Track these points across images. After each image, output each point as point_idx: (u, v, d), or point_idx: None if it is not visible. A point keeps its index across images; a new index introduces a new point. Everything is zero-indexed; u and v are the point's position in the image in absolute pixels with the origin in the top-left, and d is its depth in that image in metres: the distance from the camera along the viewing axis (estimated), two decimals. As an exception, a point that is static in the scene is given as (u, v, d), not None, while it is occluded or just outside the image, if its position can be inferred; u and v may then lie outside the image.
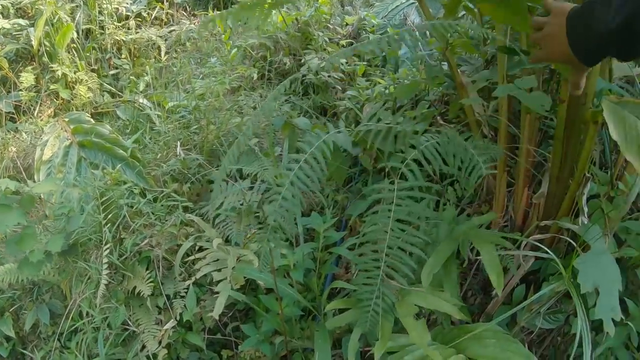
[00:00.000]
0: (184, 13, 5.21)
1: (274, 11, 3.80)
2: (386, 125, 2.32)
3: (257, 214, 2.43)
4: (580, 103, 1.50)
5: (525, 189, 2.10)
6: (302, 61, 3.45)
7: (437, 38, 2.12)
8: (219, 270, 2.20)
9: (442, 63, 2.43)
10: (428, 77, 2.11)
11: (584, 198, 1.76)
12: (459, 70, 2.26)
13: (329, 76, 3.23)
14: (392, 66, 3.21)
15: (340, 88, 3.28)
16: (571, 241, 1.69)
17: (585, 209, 1.77)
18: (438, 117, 2.34)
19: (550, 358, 2.03)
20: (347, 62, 3.38)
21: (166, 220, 2.46)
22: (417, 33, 1.61)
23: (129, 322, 2.25)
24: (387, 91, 2.70)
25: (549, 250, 1.66)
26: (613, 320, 1.49)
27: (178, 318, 2.23)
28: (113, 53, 4.59)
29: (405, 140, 2.30)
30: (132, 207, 2.44)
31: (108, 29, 4.56)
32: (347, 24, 3.82)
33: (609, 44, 1.04)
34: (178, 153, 2.77)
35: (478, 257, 1.96)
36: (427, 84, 2.48)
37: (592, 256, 1.53)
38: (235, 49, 3.92)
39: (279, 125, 2.44)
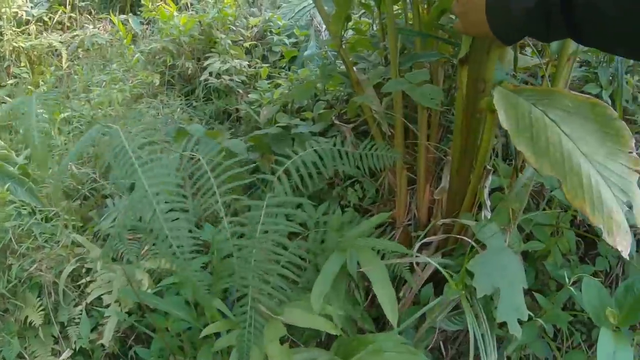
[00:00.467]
0: (88, 17, 4.83)
1: (176, 13, 3.62)
2: (281, 129, 2.17)
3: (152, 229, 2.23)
4: (479, 91, 1.37)
5: (428, 185, 2.00)
6: (205, 65, 3.25)
7: (331, 35, 1.97)
8: (110, 292, 2.00)
9: (339, 61, 2.29)
10: (322, 76, 1.97)
11: (486, 192, 1.66)
12: (355, 68, 2.13)
13: (230, 79, 3.04)
14: (298, 67, 3.05)
15: (242, 92, 3.10)
16: (471, 242, 1.57)
17: (488, 203, 1.67)
18: (333, 117, 2.20)
19: (465, 354, 1.92)
20: (250, 65, 3.21)
21: (57, 242, 2.22)
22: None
23: (25, 355, 2.02)
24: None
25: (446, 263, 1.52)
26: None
27: (74, 346, 2.01)
28: (12, 61, 4.23)
29: (302, 143, 2.16)
30: (20, 228, 2.19)
31: (6, 35, 4.21)
32: (252, 26, 3.63)
33: (526, 24, 0.94)
34: (70, 168, 2.53)
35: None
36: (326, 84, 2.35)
37: (489, 256, 1.41)
38: (138, 54, 3.69)
39: (171, 134, 2.23)
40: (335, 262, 1.54)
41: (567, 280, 1.55)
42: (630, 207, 0.91)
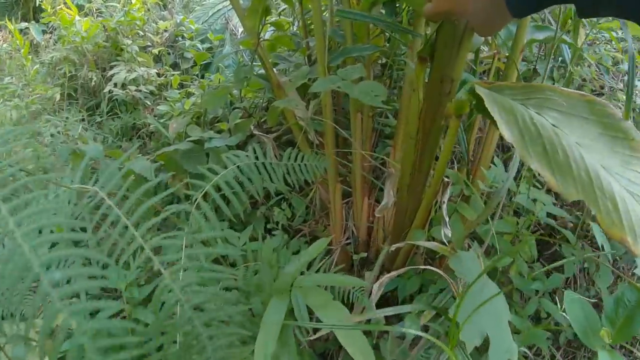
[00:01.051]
0: None
1: (78, 17, 3.18)
2: (192, 144, 1.82)
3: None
4: (444, 93, 1.07)
5: (366, 199, 1.71)
6: (110, 75, 2.85)
7: (247, 32, 1.65)
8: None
9: (257, 63, 1.96)
10: (236, 81, 1.63)
11: (445, 208, 1.38)
12: (275, 69, 1.80)
13: (137, 90, 2.65)
14: (212, 74, 2.71)
15: (150, 104, 2.71)
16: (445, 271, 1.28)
17: (447, 219, 1.38)
18: (252, 127, 1.86)
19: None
20: (159, 73, 2.83)
21: None
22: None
23: None
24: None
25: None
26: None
27: None
28: None
29: (218, 158, 1.82)
30: None
31: None
32: (162, 31, 3.25)
33: None
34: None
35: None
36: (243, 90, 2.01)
37: (472, 298, 1.07)
38: (38, 65, 3.24)
39: (64, 156, 1.84)
40: (277, 310, 1.21)
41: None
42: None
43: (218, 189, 1.29)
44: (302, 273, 1.42)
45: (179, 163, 1.82)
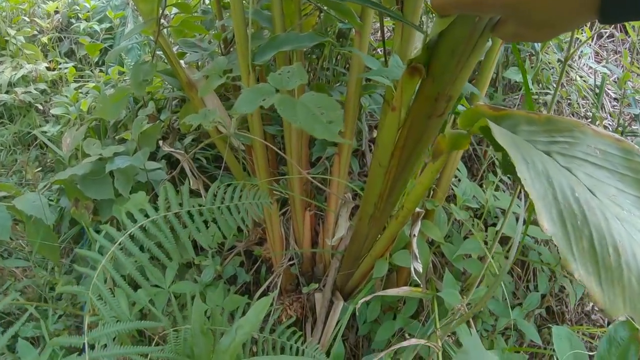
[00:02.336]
0: None
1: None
2: (91, 164, 1.38)
3: None
4: (436, 114, 0.71)
5: (306, 213, 1.35)
6: (-8, 73, 2.30)
7: (144, 18, 1.21)
8: None
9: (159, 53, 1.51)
10: (134, 84, 1.20)
11: (415, 241, 1.03)
12: (184, 62, 1.37)
13: (26, 92, 2.13)
14: (113, 56, 2.19)
15: (42, 107, 2.20)
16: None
17: (416, 251, 1.04)
18: (159, 140, 1.44)
19: None
20: (50, 67, 2.30)
21: None
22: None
23: None
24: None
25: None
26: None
27: None
28: None
29: (127, 180, 1.39)
30: None
31: None
32: (52, 13, 2.67)
33: None
34: None
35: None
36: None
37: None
38: None
39: None
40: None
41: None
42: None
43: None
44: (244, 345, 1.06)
45: (79, 189, 1.39)
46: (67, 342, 0.83)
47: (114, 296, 0.99)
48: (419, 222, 1.06)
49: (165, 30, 1.28)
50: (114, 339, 0.90)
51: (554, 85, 1.75)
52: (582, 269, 0.48)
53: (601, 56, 2.19)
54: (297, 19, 1.14)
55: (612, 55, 2.20)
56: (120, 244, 0.88)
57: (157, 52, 1.48)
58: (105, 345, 0.90)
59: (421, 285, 1.17)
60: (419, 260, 1.04)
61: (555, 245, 1.49)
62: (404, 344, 0.96)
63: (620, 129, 1.68)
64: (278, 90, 0.83)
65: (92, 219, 1.47)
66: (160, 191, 0.95)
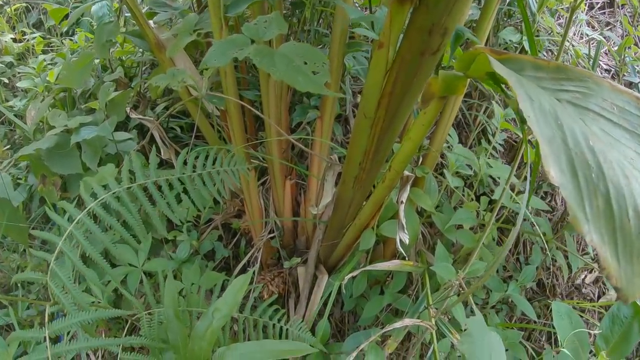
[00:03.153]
0: None
1: None
2: (56, 136, 1.26)
3: None
4: (429, 51, 0.60)
5: (286, 181, 1.25)
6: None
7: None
8: None
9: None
10: (98, 46, 1.08)
11: (402, 208, 0.92)
12: (153, 22, 1.24)
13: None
14: (75, 17, 2.02)
15: (9, 80, 2.04)
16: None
17: (404, 221, 0.94)
18: (128, 108, 1.31)
19: None
20: (16, 38, 2.14)
21: None
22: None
23: None
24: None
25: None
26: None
27: None
28: None
29: (94, 152, 1.27)
30: None
31: None
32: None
33: None
34: None
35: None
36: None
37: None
38: None
39: None
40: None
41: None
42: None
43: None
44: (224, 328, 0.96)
45: (45, 164, 1.27)
46: (26, 337, 0.72)
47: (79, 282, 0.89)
48: (408, 188, 0.96)
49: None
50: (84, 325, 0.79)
51: (548, 53, 1.67)
52: (596, 233, 0.39)
53: (592, 27, 2.10)
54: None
55: (604, 27, 2.10)
56: (79, 222, 0.77)
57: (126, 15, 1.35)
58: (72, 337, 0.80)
59: (408, 258, 1.08)
60: (406, 231, 0.95)
61: (549, 215, 1.41)
62: (397, 325, 0.86)
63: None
64: (254, 41, 0.72)
65: (60, 196, 1.34)
66: (125, 161, 0.84)
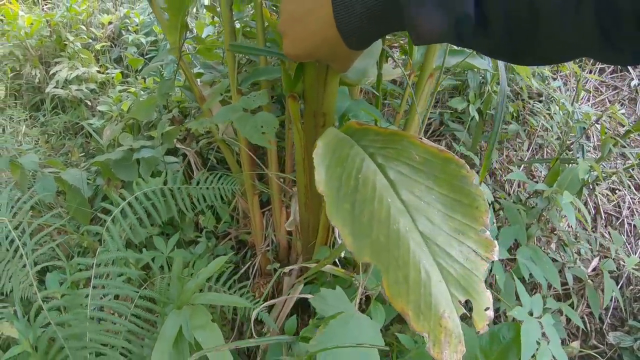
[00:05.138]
0: None
1: (22, 13, 3.16)
2: (123, 152, 1.86)
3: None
4: (319, 125, 1.10)
5: (284, 210, 1.77)
6: (53, 71, 2.85)
7: (169, 44, 1.68)
8: None
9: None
10: (159, 95, 1.67)
11: (337, 231, 1.43)
12: (200, 80, 1.84)
13: (78, 89, 2.67)
14: (147, 71, 2.71)
15: (91, 103, 2.73)
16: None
17: (340, 240, 1.45)
18: (175, 140, 1.91)
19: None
20: (100, 71, 2.84)
21: None
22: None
23: None
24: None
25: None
26: None
27: None
28: None
29: (149, 166, 1.86)
30: None
31: None
32: (106, 24, 3.24)
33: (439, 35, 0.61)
34: None
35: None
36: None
37: (331, 337, 1.01)
38: (-18, 60, 3.22)
39: (5, 165, 1.88)
40: (173, 325, 1.27)
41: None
42: (470, 308, 0.68)
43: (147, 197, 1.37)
44: (210, 288, 1.50)
45: (112, 171, 1.87)
46: (83, 262, 1.28)
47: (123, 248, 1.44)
48: None
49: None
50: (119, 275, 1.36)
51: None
52: (339, 221, 0.74)
53: (600, 91, 2.48)
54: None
55: (610, 91, 2.48)
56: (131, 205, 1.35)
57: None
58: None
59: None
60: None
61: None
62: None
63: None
64: (246, 109, 1.27)
65: (119, 196, 1.96)
66: (170, 173, 1.41)
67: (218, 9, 1.91)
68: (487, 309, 0.67)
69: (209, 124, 1.46)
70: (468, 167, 0.82)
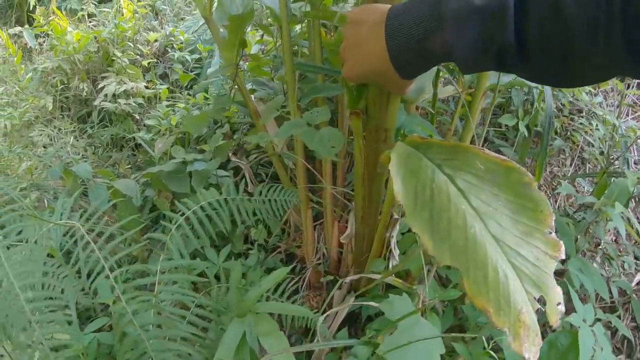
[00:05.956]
0: None
1: (70, 29, 3.33)
2: (176, 164, 1.97)
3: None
4: (380, 140, 1.20)
5: (336, 224, 1.86)
6: (101, 86, 3.00)
7: (225, 62, 1.79)
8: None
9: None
10: (215, 110, 1.79)
11: (393, 241, 1.52)
12: (254, 96, 1.95)
13: (127, 103, 2.81)
14: (201, 86, 2.85)
15: (139, 116, 2.87)
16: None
17: (396, 253, 1.53)
18: (230, 153, 2.02)
19: None
20: (147, 86, 2.98)
21: None
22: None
23: None
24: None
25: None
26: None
27: None
28: None
29: (201, 179, 1.97)
30: None
31: None
32: (152, 42, 3.40)
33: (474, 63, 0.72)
34: None
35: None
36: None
37: (399, 337, 1.16)
38: (31, 73, 3.39)
39: (56, 176, 2.00)
40: (236, 333, 1.35)
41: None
42: (544, 302, 0.76)
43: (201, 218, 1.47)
44: (268, 298, 1.59)
45: (164, 182, 1.98)
46: (141, 268, 1.39)
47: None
48: (397, 226, 1.54)
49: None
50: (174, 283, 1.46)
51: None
52: (419, 228, 0.82)
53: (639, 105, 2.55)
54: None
55: None
56: (188, 217, 1.45)
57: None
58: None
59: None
60: (397, 259, 1.53)
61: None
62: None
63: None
64: (310, 124, 1.38)
65: (169, 207, 2.06)
66: (225, 186, 1.52)
67: (271, 28, 2.04)
68: (558, 303, 0.75)
69: (270, 138, 1.56)
70: (530, 174, 0.90)
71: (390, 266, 1.54)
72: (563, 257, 0.80)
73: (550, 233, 0.82)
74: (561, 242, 0.82)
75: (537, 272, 0.78)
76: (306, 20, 1.73)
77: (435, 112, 1.57)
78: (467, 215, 0.84)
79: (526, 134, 2.02)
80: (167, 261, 1.43)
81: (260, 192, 1.54)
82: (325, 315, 1.55)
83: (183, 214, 1.44)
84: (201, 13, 1.71)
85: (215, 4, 1.78)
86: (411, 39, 0.75)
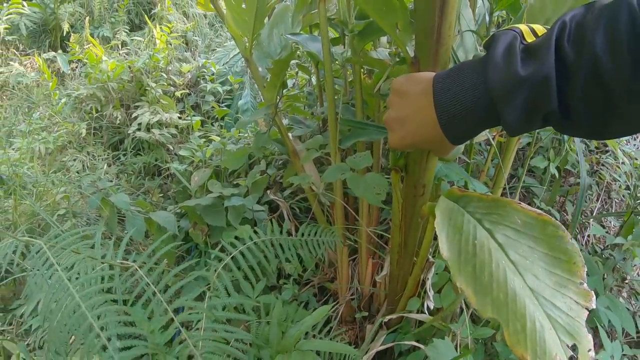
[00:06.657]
0: (15, 52, 4.65)
1: (105, 58, 3.51)
2: (213, 199, 2.10)
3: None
4: (418, 195, 1.31)
5: (370, 260, 1.96)
6: (135, 115, 3.16)
7: (265, 102, 1.92)
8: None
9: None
10: (255, 148, 1.91)
11: (429, 283, 1.62)
12: (291, 134, 2.08)
13: (160, 134, 2.96)
14: (232, 119, 3.00)
15: (172, 147, 3.02)
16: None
17: (431, 294, 1.64)
18: (268, 191, 2.14)
19: None
20: (181, 117, 3.13)
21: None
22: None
23: None
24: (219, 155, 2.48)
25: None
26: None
27: None
28: None
29: (237, 214, 2.10)
30: None
31: None
32: (185, 73, 3.56)
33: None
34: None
35: None
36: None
37: None
38: (65, 99, 3.55)
39: (94, 205, 2.13)
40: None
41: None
42: (575, 349, 0.86)
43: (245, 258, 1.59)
44: (307, 334, 1.70)
45: (200, 215, 2.11)
46: (188, 304, 1.50)
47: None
48: (433, 269, 1.64)
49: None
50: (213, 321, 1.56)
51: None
52: (463, 283, 0.93)
53: None
54: (376, 111, 1.82)
55: None
56: (234, 256, 1.57)
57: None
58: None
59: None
60: (432, 300, 1.64)
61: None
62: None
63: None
64: (353, 169, 1.49)
65: (204, 240, 2.19)
66: (267, 224, 1.64)
67: (309, 68, 2.17)
68: (589, 350, 0.85)
69: (312, 180, 1.69)
70: (564, 227, 1.00)
71: (426, 307, 1.64)
72: (594, 307, 0.91)
73: (582, 284, 0.93)
74: (592, 292, 0.92)
75: (570, 321, 0.89)
76: (342, 59, 1.85)
77: (471, 162, 1.67)
78: (507, 269, 0.95)
79: (557, 174, 2.13)
80: (215, 299, 1.53)
81: (302, 233, 1.65)
82: (365, 354, 1.66)
83: (228, 251, 1.54)
84: (242, 54, 1.83)
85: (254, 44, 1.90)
86: (460, 109, 0.83)
